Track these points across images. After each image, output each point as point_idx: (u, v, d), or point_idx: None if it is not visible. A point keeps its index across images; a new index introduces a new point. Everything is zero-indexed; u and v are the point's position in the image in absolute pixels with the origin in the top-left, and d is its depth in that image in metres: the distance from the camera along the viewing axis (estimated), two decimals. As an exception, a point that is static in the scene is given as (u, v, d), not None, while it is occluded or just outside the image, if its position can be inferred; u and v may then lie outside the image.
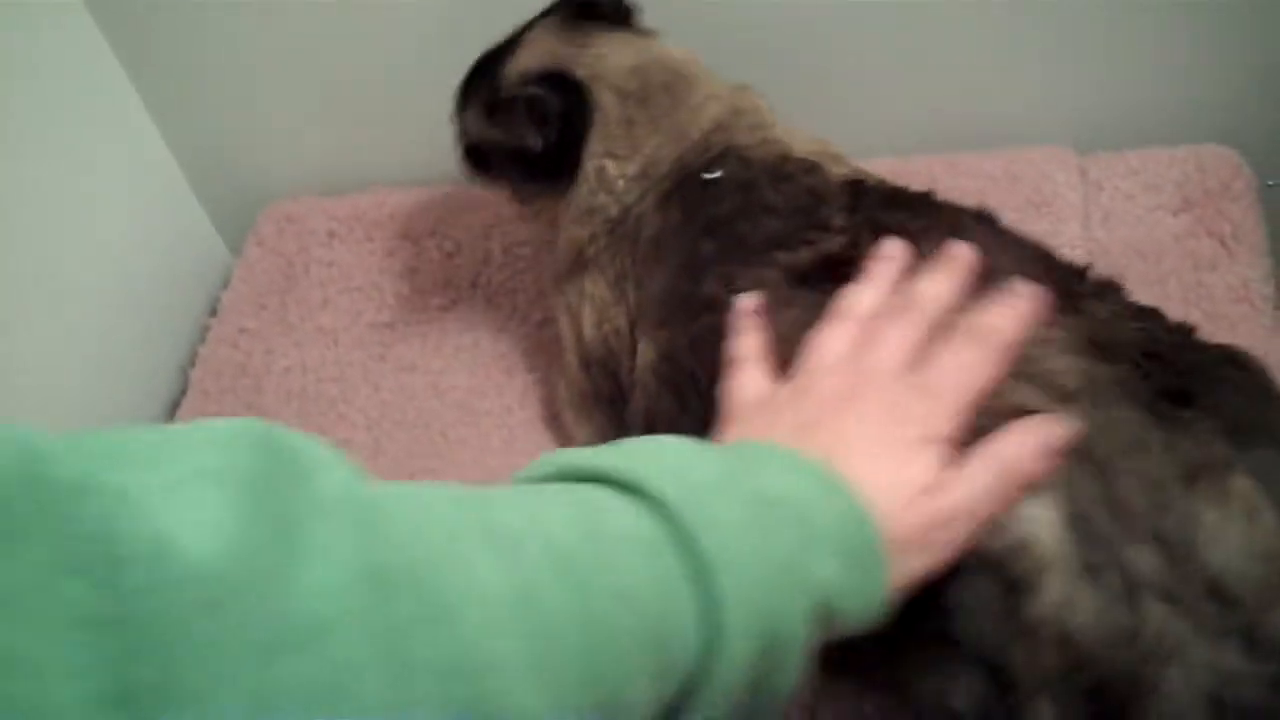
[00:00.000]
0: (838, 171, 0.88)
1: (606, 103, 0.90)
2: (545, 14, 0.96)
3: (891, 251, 0.74)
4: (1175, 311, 0.88)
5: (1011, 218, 1.01)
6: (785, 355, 0.72)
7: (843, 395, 0.64)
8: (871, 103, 1.14)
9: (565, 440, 0.99)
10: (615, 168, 0.89)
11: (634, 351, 0.86)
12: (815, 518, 0.55)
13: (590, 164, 0.90)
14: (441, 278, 1.14)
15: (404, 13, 1.13)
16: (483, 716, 0.39)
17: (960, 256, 0.71)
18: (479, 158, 0.97)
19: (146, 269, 1.22)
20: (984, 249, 0.73)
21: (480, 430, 1.04)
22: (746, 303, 0.75)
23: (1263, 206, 1.04)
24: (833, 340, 0.69)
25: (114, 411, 1.13)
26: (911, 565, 0.58)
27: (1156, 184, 1.04)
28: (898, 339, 0.67)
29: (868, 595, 0.56)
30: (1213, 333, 0.92)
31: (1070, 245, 1.01)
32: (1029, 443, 0.60)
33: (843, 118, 1.13)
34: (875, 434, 0.61)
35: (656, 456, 0.55)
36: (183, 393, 1.14)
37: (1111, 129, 1.10)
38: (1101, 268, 0.98)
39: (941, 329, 0.67)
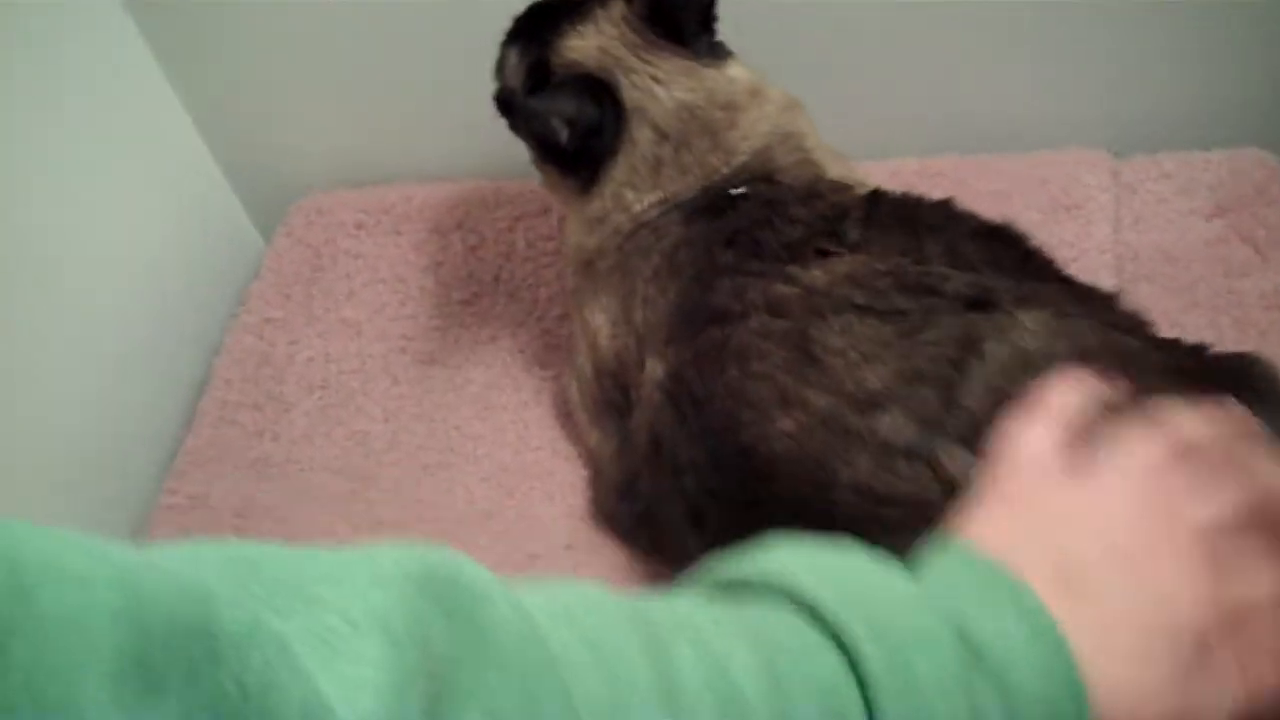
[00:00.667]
0: (864, 188, 0.87)
1: (641, 139, 0.88)
2: None
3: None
4: (1203, 318, 0.87)
5: (1038, 219, 1.01)
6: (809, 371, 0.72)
7: (1139, 543, 0.52)
8: (902, 102, 1.13)
9: (576, 439, 0.98)
10: (634, 196, 0.88)
11: (642, 368, 0.85)
12: (1026, 710, 0.48)
13: (609, 186, 0.89)
14: (465, 272, 1.14)
15: (436, 9, 1.13)
16: None
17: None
18: (508, 105, 0.93)
19: (180, 259, 1.22)
20: (996, 259, 0.71)
21: (495, 425, 1.03)
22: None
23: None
24: (1148, 453, 0.55)
25: (140, 396, 1.14)
26: None
27: (1190, 188, 1.01)
28: (1220, 503, 0.54)
29: None
30: (1241, 340, 0.91)
31: (1099, 249, 0.99)
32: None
33: (873, 117, 1.13)
34: (1144, 624, 0.51)
35: (855, 578, 0.49)
36: (207, 381, 1.14)
37: (1148, 132, 1.08)
38: (1130, 272, 0.96)
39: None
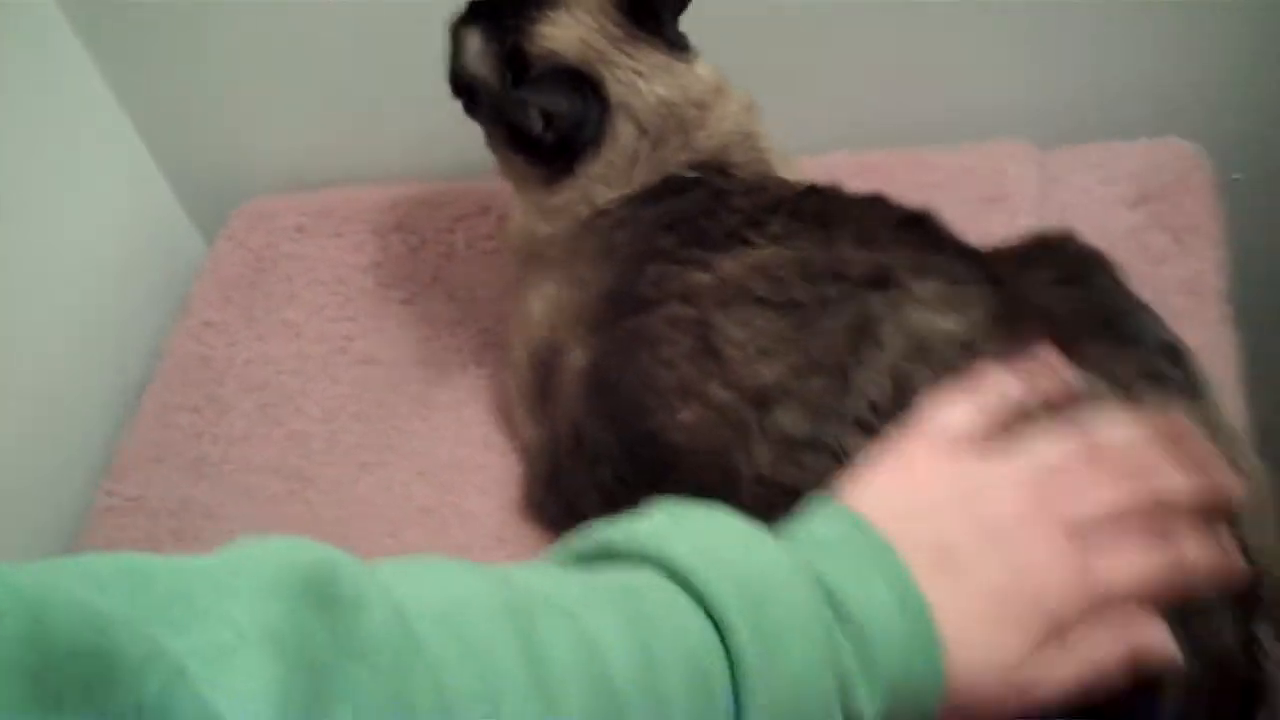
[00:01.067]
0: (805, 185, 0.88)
1: (623, 134, 0.87)
2: None
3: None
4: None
5: (966, 211, 1.01)
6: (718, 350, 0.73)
7: (1010, 525, 0.56)
8: (835, 98, 1.14)
9: (514, 435, 0.99)
10: (604, 190, 0.88)
11: (564, 353, 0.86)
12: (884, 662, 0.51)
13: (582, 179, 0.88)
14: (404, 272, 1.15)
15: (376, 14, 1.14)
16: None
17: (1225, 488, 0.60)
18: (470, 90, 0.92)
19: (121, 263, 1.23)
20: (901, 240, 0.73)
21: (433, 423, 1.04)
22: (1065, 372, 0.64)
23: (1226, 200, 1.03)
24: (1053, 451, 0.59)
25: (79, 398, 1.14)
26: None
27: (1114, 177, 1.03)
28: (1104, 503, 0.57)
29: None
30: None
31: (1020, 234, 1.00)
32: (1123, 660, 0.56)
33: (806, 112, 1.14)
34: (1002, 596, 0.55)
35: (735, 548, 0.52)
36: (147, 383, 1.15)
37: (1075, 123, 1.09)
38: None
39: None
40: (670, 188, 0.87)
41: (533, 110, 0.86)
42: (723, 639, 0.48)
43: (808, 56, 1.11)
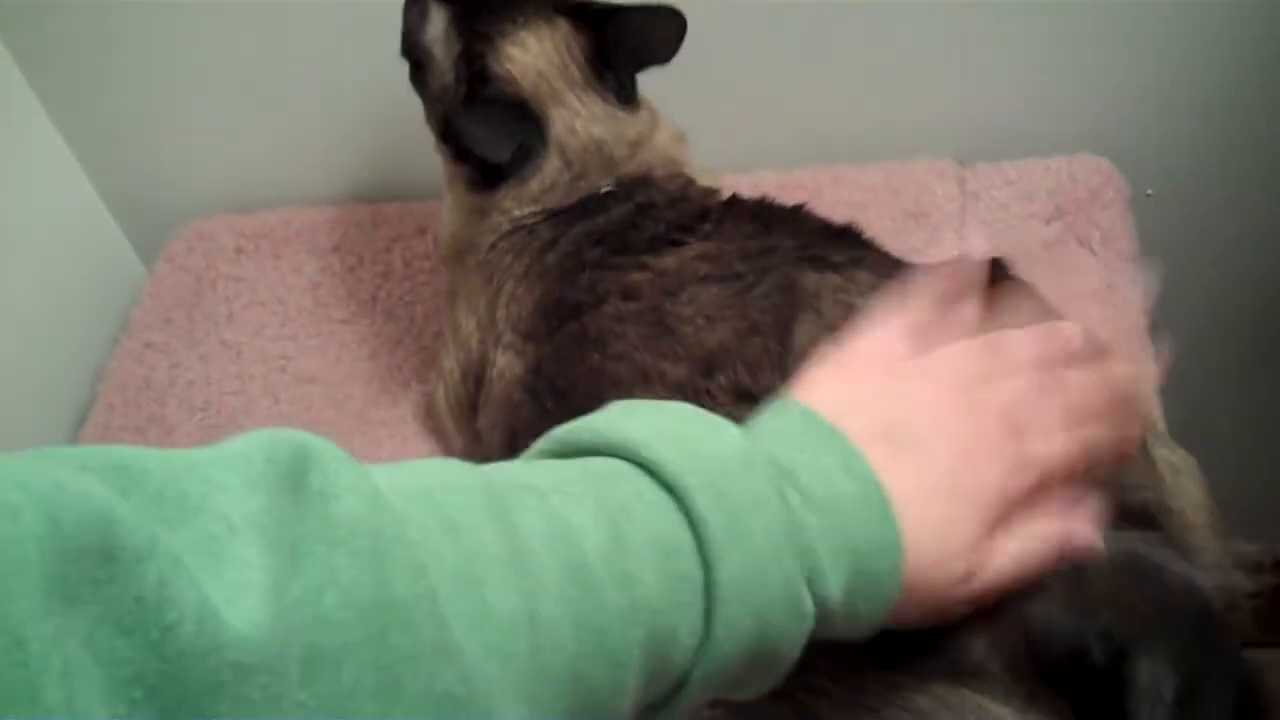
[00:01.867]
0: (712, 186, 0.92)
1: (549, 168, 0.91)
2: None
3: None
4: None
5: (890, 228, 1.06)
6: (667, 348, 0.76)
7: (943, 414, 0.58)
8: (763, 116, 1.17)
9: (444, 446, 1.01)
10: (516, 205, 0.91)
11: (491, 364, 0.88)
12: (846, 543, 0.53)
13: (502, 196, 0.91)
14: (343, 292, 1.17)
15: (313, 36, 1.16)
16: None
17: (1123, 380, 0.63)
18: (416, 61, 0.94)
19: (61, 288, 1.24)
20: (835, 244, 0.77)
21: (373, 440, 1.06)
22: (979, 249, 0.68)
23: (1138, 213, 1.08)
24: (974, 358, 0.61)
25: (21, 423, 1.15)
26: (908, 618, 0.56)
27: (1030, 193, 1.07)
28: (1021, 395, 0.59)
29: (856, 630, 0.55)
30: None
31: (947, 255, 1.03)
32: (1056, 548, 0.58)
33: (734, 131, 1.16)
34: (946, 477, 0.56)
35: (696, 436, 0.53)
36: (89, 406, 1.16)
37: (993, 141, 1.13)
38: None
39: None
40: (593, 205, 0.90)
41: (481, 139, 0.90)
42: (689, 520, 0.49)
43: (735, 77, 1.14)
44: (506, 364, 0.87)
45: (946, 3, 1.06)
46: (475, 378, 0.92)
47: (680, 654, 0.49)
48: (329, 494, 0.40)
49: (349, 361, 1.12)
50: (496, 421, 0.87)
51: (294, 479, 0.40)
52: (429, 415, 1.04)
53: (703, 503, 0.49)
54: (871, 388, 0.59)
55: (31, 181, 1.23)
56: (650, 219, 0.88)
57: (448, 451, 1.00)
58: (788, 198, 1.09)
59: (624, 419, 0.54)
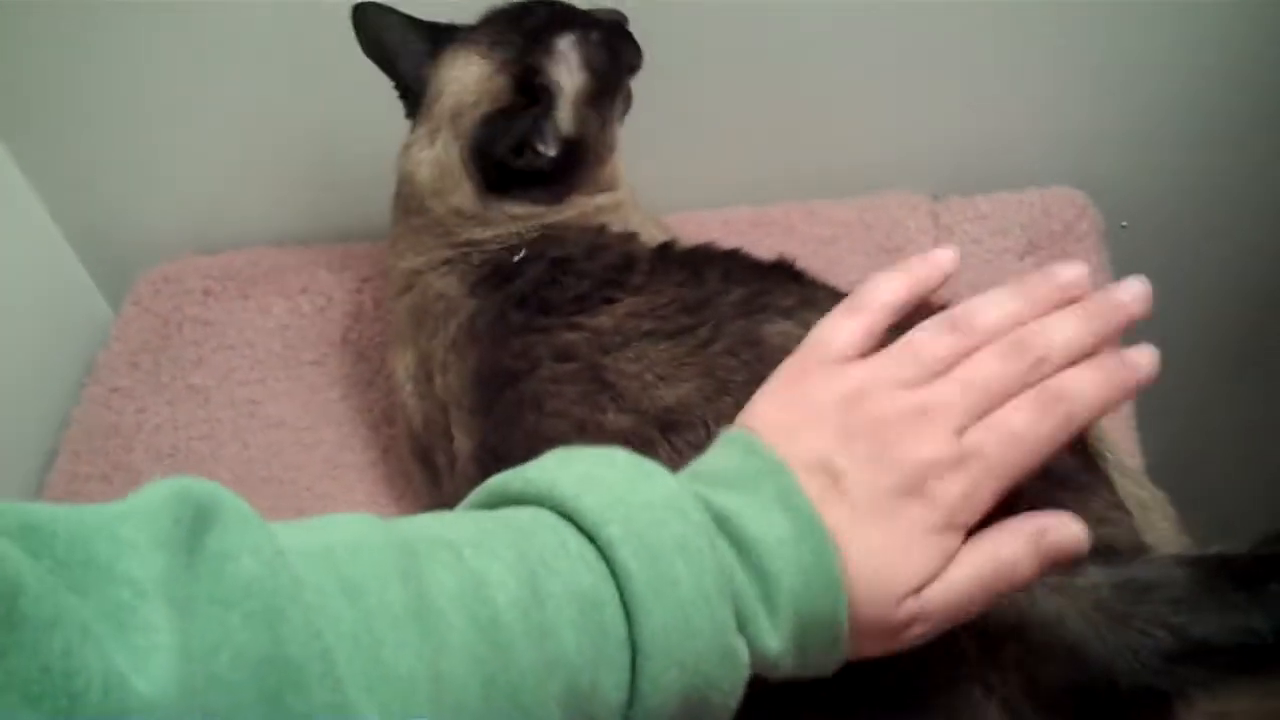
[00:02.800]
0: (655, 238, 0.90)
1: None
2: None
3: (1066, 274, 0.61)
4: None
5: (863, 263, 1.05)
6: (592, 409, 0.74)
7: (897, 424, 0.55)
8: (733, 152, 1.16)
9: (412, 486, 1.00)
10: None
11: (451, 438, 0.87)
12: (784, 585, 0.51)
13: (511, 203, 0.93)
14: (313, 333, 1.15)
15: (278, 76, 1.14)
16: None
17: (1122, 305, 0.60)
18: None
19: (26, 331, 1.22)
20: (769, 281, 0.78)
21: (344, 484, 1.04)
22: (941, 255, 0.63)
23: (1113, 247, 1.07)
24: (936, 344, 0.57)
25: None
26: (867, 650, 0.55)
27: (1004, 227, 1.06)
28: (979, 381, 0.56)
29: (815, 668, 0.54)
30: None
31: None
32: (1029, 550, 0.55)
33: (707, 166, 1.16)
34: (893, 502, 0.54)
35: (625, 483, 0.52)
36: (55, 453, 1.14)
37: (967, 174, 1.12)
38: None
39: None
40: (504, 271, 0.89)
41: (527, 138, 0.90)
42: (612, 571, 0.49)
43: (708, 113, 1.13)
44: (460, 441, 0.85)
45: (917, 36, 1.06)
46: (416, 437, 0.92)
47: (606, 709, 0.48)
48: (227, 554, 0.40)
49: (319, 404, 1.11)
50: (458, 493, 0.85)
51: (194, 539, 0.40)
52: (401, 460, 1.02)
53: (625, 553, 0.48)
54: (814, 408, 0.57)
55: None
56: (571, 274, 0.86)
57: (415, 491, 0.99)
58: (761, 233, 1.09)
59: (556, 468, 0.53)
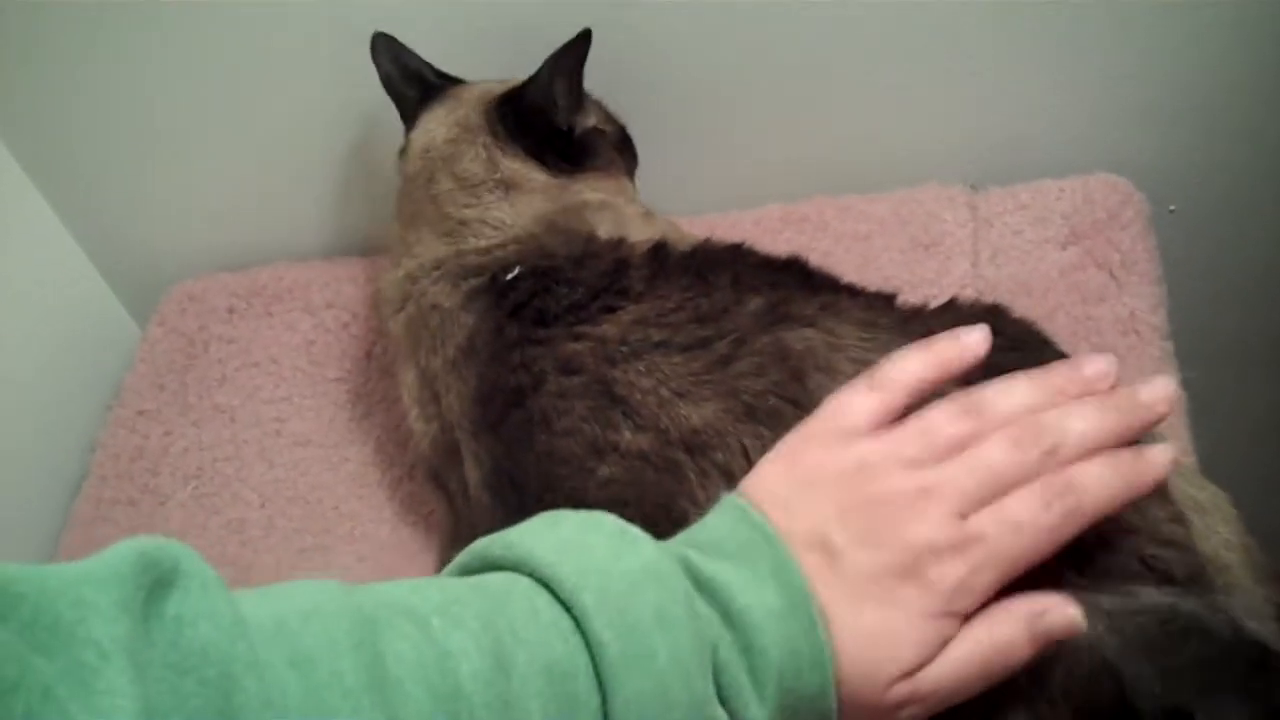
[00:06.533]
0: (643, 237, 0.86)
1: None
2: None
3: (1092, 368, 0.60)
4: (1063, 346, 0.87)
5: (899, 259, 1.02)
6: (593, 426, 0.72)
7: (898, 504, 0.54)
8: (765, 149, 1.13)
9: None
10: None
11: (460, 460, 0.84)
12: (771, 659, 0.50)
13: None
14: (337, 349, 1.13)
15: (302, 91, 1.12)
16: None
17: (1147, 407, 0.58)
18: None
19: (53, 357, 1.21)
20: (779, 282, 0.72)
21: (372, 503, 1.02)
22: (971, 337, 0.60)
23: (1160, 233, 1.03)
24: (949, 426, 0.57)
25: (16, 497, 1.12)
26: None
27: (1045, 217, 1.02)
28: (987, 464, 0.55)
29: None
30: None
31: (960, 285, 0.99)
32: (1025, 634, 0.54)
33: (738, 166, 1.13)
34: (889, 584, 0.53)
35: (605, 549, 0.51)
36: (84, 477, 1.12)
37: (1006, 163, 1.08)
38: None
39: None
40: (499, 287, 0.86)
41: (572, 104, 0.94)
42: (586, 641, 0.48)
43: (737, 111, 1.10)
44: (471, 465, 0.82)
45: (950, 22, 1.02)
46: (426, 459, 0.90)
47: None
48: (184, 620, 0.40)
49: (344, 421, 1.09)
50: (477, 523, 0.82)
51: (153, 603, 0.40)
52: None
53: (599, 622, 0.47)
54: (818, 478, 0.56)
55: (16, 247, 1.20)
56: (562, 283, 0.83)
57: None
58: (794, 231, 1.06)
59: (538, 531, 0.52)
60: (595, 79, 0.95)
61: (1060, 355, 0.76)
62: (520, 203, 0.89)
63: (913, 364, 0.59)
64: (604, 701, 0.47)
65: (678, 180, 1.08)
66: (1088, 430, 0.56)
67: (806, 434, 0.58)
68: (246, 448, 1.09)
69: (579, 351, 0.77)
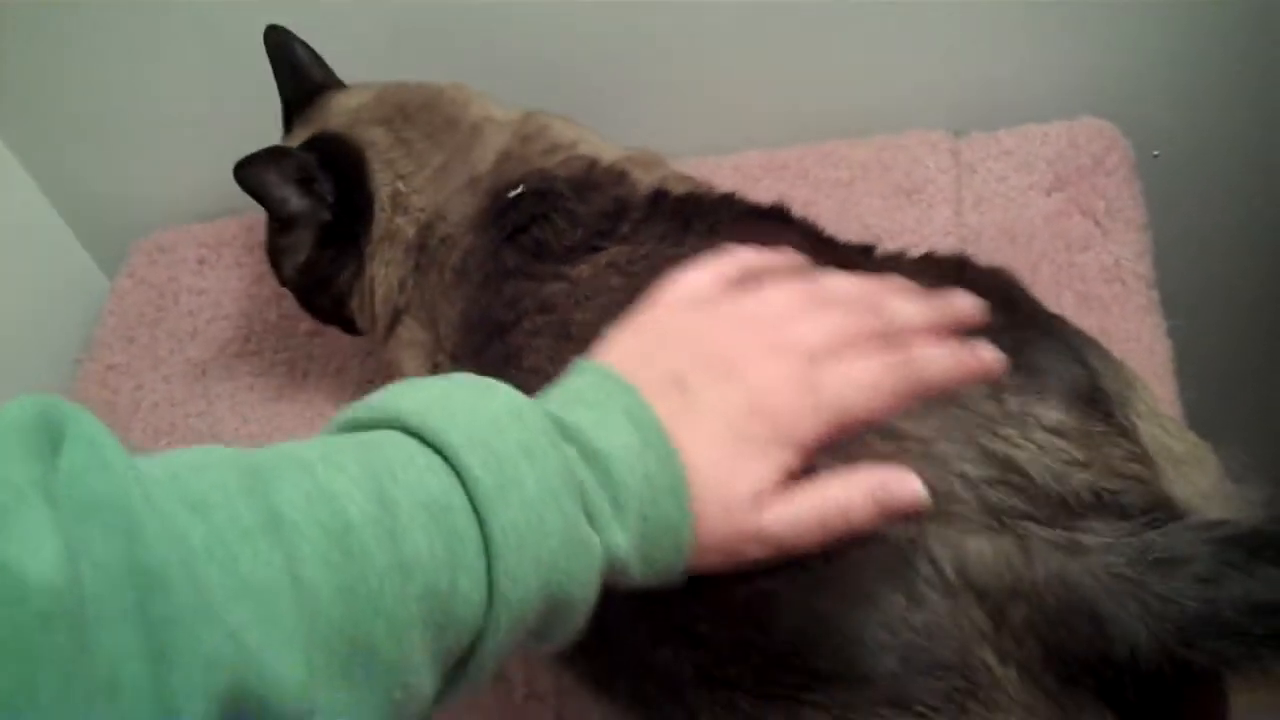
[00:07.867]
0: (647, 180, 0.85)
1: (374, 136, 0.90)
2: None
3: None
4: (1046, 295, 0.85)
5: (880, 206, 1.00)
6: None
7: (739, 354, 0.59)
8: (744, 96, 1.11)
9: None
10: (406, 185, 0.88)
11: None
12: (630, 489, 0.54)
13: (383, 192, 0.89)
14: (310, 302, 1.11)
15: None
16: (245, 695, 0.41)
17: (959, 308, 0.64)
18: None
19: (20, 308, 1.18)
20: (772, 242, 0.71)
21: (346, 458, 1.00)
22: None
23: (1145, 179, 1.01)
24: (780, 293, 0.62)
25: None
26: (709, 562, 0.57)
27: (1029, 163, 1.00)
28: (829, 327, 0.60)
29: (661, 575, 0.56)
30: (1084, 315, 0.90)
31: (942, 232, 0.98)
32: (866, 497, 0.57)
33: (716, 112, 1.11)
34: (738, 419, 0.57)
35: (465, 399, 0.54)
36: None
37: (989, 108, 1.06)
38: (972, 253, 0.95)
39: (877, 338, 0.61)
40: (501, 206, 0.85)
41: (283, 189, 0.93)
42: (460, 477, 0.50)
43: (716, 57, 1.08)
44: None
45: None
46: None
47: (467, 608, 0.49)
48: (75, 472, 0.40)
49: (317, 375, 1.07)
50: None
51: (53, 455, 0.40)
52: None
53: (470, 459, 0.50)
54: (669, 333, 0.61)
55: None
56: (563, 215, 0.82)
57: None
58: (774, 178, 1.04)
59: (400, 392, 0.54)
60: (577, 30, 0.93)
61: (1032, 302, 0.75)
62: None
63: (744, 251, 0.65)
64: (482, 531, 0.50)
65: (657, 126, 1.06)
66: (914, 312, 0.62)
67: (653, 303, 0.63)
68: (219, 403, 1.08)
69: (557, 292, 0.77)
